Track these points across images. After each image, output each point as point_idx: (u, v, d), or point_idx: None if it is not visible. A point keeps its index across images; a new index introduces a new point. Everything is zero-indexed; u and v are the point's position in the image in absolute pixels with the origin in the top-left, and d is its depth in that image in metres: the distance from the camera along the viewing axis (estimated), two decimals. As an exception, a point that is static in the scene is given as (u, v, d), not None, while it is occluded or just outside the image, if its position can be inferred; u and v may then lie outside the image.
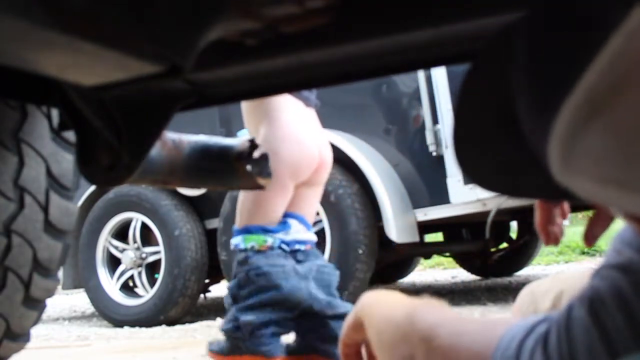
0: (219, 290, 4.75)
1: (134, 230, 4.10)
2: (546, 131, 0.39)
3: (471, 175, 0.57)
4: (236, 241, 1.93)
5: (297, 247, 1.94)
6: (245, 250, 1.89)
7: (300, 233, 1.96)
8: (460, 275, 6.13)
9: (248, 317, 1.84)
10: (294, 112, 1.93)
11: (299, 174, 1.94)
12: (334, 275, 2.00)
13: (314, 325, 1.90)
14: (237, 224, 1.96)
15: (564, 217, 0.96)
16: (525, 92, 0.45)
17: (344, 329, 0.82)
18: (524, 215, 5.02)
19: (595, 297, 0.57)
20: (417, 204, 3.60)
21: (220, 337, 1.98)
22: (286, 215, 1.96)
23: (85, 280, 4.22)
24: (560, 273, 1.15)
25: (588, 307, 0.56)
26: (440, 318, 0.69)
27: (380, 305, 0.78)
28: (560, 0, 0.41)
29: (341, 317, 1.87)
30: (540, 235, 0.93)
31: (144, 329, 3.85)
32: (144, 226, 4.06)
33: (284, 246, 1.91)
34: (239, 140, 1.03)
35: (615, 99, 0.33)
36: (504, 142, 0.53)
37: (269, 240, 1.89)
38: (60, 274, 1.69)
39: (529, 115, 0.46)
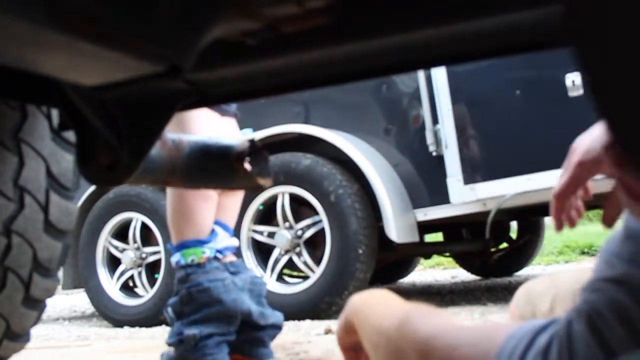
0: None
1: (134, 230, 4.10)
2: None
3: None
4: (176, 258, 2.02)
5: (227, 252, 2.04)
6: (185, 266, 1.98)
7: (225, 240, 2.07)
8: (460, 275, 6.13)
9: (192, 331, 1.93)
10: (204, 122, 1.99)
11: None
12: (264, 286, 2.12)
13: (244, 331, 2.02)
14: (173, 241, 2.05)
15: (587, 195, 1.01)
16: None
17: (337, 332, 0.82)
18: (524, 215, 5.02)
19: (593, 311, 0.56)
20: (417, 204, 3.60)
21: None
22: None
23: (85, 280, 4.22)
24: (555, 273, 1.15)
25: (587, 321, 0.56)
26: (435, 328, 0.68)
27: (371, 312, 0.77)
28: None
29: (272, 326, 2.04)
30: (554, 224, 0.96)
31: (144, 329, 3.85)
32: (144, 226, 4.06)
33: (218, 255, 2.01)
34: (239, 140, 1.03)
35: None
36: None
37: (207, 251, 1.99)
38: (60, 274, 1.69)
39: None
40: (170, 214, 2.04)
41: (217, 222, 2.06)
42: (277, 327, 2.07)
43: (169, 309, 2.01)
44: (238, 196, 2.19)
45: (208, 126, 1.99)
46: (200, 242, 1.99)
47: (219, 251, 2.01)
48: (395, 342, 0.69)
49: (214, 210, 2.04)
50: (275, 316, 2.07)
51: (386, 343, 0.71)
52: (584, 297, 0.58)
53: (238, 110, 2.20)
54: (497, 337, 0.62)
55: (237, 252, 2.22)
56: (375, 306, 0.77)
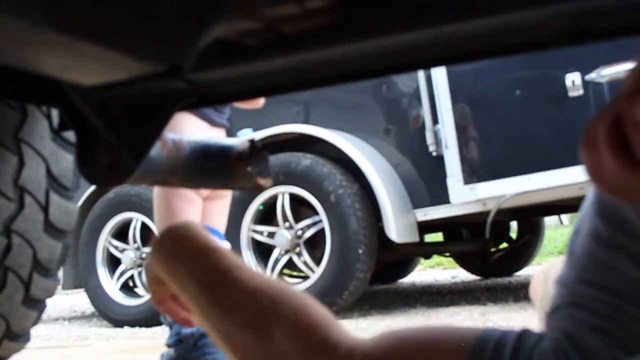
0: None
1: (134, 230, 4.10)
2: None
3: None
4: None
5: None
6: None
7: None
8: (460, 275, 6.13)
9: (189, 330, 1.94)
10: (194, 132, 2.02)
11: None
12: None
13: None
14: None
15: None
16: None
17: (148, 287, 0.82)
18: (524, 215, 5.02)
19: (562, 339, 0.57)
20: (417, 204, 3.60)
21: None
22: None
23: (85, 280, 4.22)
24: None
25: (555, 349, 0.57)
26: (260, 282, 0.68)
27: (178, 260, 0.75)
28: None
29: None
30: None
31: (144, 329, 3.85)
32: (144, 226, 4.06)
33: None
34: (239, 140, 1.03)
35: None
36: None
37: None
38: (60, 274, 1.69)
39: None
40: (157, 218, 2.09)
41: (205, 228, 2.09)
42: None
43: None
44: (224, 201, 2.22)
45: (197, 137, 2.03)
46: None
47: None
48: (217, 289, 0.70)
49: (198, 213, 2.08)
50: None
51: (208, 289, 0.71)
52: (550, 325, 0.59)
53: (229, 122, 2.23)
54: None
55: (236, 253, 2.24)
56: (180, 253, 0.76)
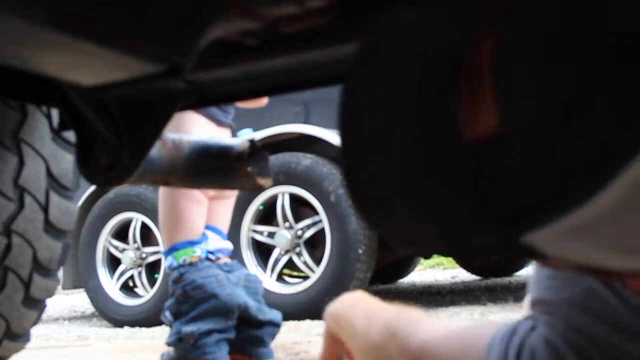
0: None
1: (134, 230, 4.10)
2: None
3: (385, 233, 0.44)
4: (168, 262, 2.05)
5: (220, 255, 2.08)
6: (178, 267, 2.01)
7: (217, 242, 2.11)
8: (460, 275, 6.13)
9: (190, 328, 1.94)
10: (202, 133, 2.02)
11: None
12: (260, 283, 2.15)
13: (244, 331, 2.03)
14: (164, 246, 2.09)
15: None
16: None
17: (323, 345, 0.81)
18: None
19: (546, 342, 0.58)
20: (417, 204, 3.59)
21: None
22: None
23: (85, 280, 4.22)
24: None
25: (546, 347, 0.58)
26: (425, 339, 0.68)
27: (355, 321, 0.77)
28: None
29: (269, 322, 2.06)
30: None
31: (144, 329, 3.85)
32: (144, 226, 4.06)
33: (210, 256, 2.05)
34: (239, 140, 1.03)
35: None
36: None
37: (197, 251, 2.02)
38: (60, 274, 1.69)
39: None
40: (162, 219, 2.09)
41: (208, 227, 2.11)
42: (276, 325, 2.08)
43: (167, 312, 2.03)
44: (229, 201, 2.23)
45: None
46: (191, 243, 2.03)
47: (210, 252, 2.05)
48: (387, 353, 0.70)
49: (204, 214, 2.08)
50: (274, 313, 2.08)
51: (376, 354, 0.71)
52: (540, 317, 0.60)
53: (234, 121, 2.23)
54: (481, 344, 0.63)
55: (234, 255, 2.24)
56: (358, 315, 0.77)
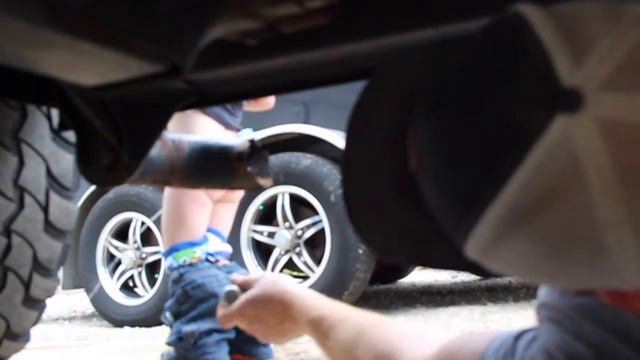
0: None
1: (134, 230, 4.10)
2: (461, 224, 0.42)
3: (369, 243, 0.54)
4: (168, 262, 2.05)
5: (219, 257, 2.08)
6: (178, 267, 2.02)
7: (218, 245, 2.12)
8: (460, 275, 6.13)
9: (190, 328, 1.95)
10: (210, 134, 2.01)
11: (213, 191, 2.07)
12: None
13: (244, 330, 2.01)
14: (165, 247, 2.10)
15: None
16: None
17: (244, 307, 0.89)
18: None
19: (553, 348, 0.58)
20: (417, 204, 3.59)
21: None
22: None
23: (85, 280, 4.22)
24: None
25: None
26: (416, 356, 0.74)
27: (342, 334, 0.83)
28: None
29: None
30: None
31: (144, 329, 3.85)
32: (144, 226, 4.06)
33: (209, 257, 2.05)
34: (239, 141, 1.03)
35: (540, 210, 0.38)
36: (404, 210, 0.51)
37: (197, 251, 2.03)
38: (60, 274, 1.69)
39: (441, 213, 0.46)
40: (165, 220, 2.09)
41: (209, 229, 2.11)
42: None
43: (167, 313, 2.04)
44: (233, 205, 2.23)
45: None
46: (192, 244, 2.03)
47: (210, 254, 2.06)
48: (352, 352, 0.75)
49: (208, 217, 2.09)
50: None
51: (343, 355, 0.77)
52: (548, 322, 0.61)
53: (240, 125, 2.23)
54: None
55: (234, 255, 2.24)
56: (345, 329, 0.83)
